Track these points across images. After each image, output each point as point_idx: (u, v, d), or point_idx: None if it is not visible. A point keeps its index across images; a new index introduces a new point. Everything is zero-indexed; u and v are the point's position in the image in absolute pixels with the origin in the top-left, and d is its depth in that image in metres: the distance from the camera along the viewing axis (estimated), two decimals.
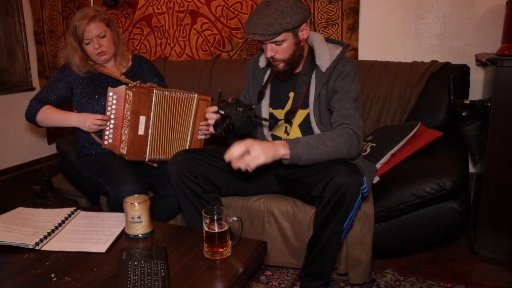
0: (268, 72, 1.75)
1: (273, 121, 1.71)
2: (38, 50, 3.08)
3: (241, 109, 1.50)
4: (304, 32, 1.56)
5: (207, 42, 2.82)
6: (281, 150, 1.39)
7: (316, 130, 1.62)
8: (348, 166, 1.45)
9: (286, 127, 1.73)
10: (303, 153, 1.40)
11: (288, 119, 1.68)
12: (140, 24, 2.96)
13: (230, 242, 1.25)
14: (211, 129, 1.97)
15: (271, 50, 1.54)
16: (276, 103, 1.73)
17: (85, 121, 1.80)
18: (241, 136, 1.56)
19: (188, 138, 1.94)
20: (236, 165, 1.34)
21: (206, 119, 1.94)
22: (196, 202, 1.65)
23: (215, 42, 2.79)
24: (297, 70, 1.66)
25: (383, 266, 1.87)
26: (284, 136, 1.73)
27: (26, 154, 3.01)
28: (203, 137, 1.99)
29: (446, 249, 2.04)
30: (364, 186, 1.48)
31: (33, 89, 3.02)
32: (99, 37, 1.83)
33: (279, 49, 1.54)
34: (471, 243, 2.01)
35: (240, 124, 1.50)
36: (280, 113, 1.73)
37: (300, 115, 1.67)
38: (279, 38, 1.50)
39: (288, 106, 1.70)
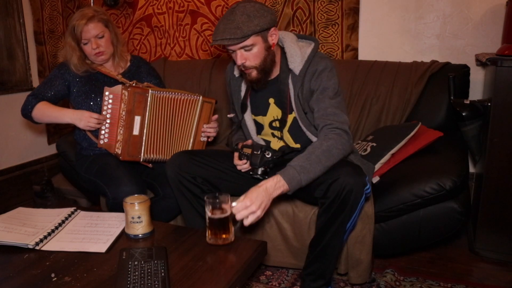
0: (244, 81, 1.72)
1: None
2: (38, 50, 3.09)
3: (269, 155, 1.59)
4: (273, 37, 1.53)
5: (207, 42, 2.82)
6: (278, 191, 1.36)
7: (308, 133, 1.61)
8: (351, 167, 1.45)
9: (272, 133, 1.72)
10: (301, 179, 1.38)
11: (282, 127, 1.67)
12: (140, 24, 2.97)
13: (232, 228, 1.26)
14: (212, 134, 1.99)
15: (241, 57, 1.50)
16: (257, 110, 1.72)
17: (81, 118, 1.79)
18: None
19: (191, 140, 1.93)
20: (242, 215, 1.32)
21: (209, 122, 1.95)
22: (194, 202, 1.65)
23: None
24: (272, 76, 1.63)
25: (383, 266, 1.87)
26: (274, 140, 1.72)
27: (26, 154, 3.01)
28: (205, 139, 1.98)
29: (446, 249, 2.04)
30: (367, 186, 1.47)
31: (33, 89, 3.01)
32: (97, 38, 1.83)
33: (249, 56, 1.50)
34: (471, 243, 2.01)
35: (274, 164, 1.62)
36: (262, 119, 1.72)
37: (288, 120, 1.66)
38: (248, 42, 1.46)
39: (271, 112, 1.68)
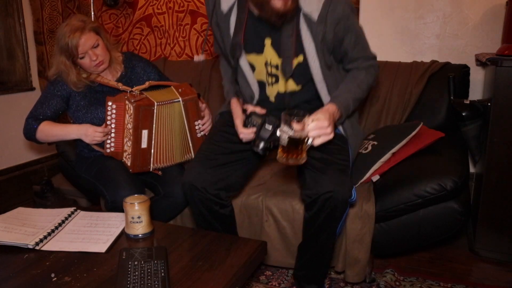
0: (233, 16, 1.47)
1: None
2: (38, 50, 3.08)
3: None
4: None
5: (207, 42, 2.81)
6: (337, 116, 1.42)
7: (319, 76, 1.48)
8: (339, 177, 1.42)
9: (268, 72, 1.53)
10: (350, 104, 1.46)
11: (286, 74, 1.48)
12: (140, 24, 2.97)
13: (305, 154, 1.27)
14: (208, 128, 1.91)
15: None
16: (251, 47, 1.50)
17: (86, 133, 1.76)
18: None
19: (189, 138, 1.90)
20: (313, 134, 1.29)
21: (201, 117, 1.90)
22: (213, 220, 1.59)
23: None
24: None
25: (383, 266, 1.87)
26: (270, 80, 1.54)
27: (26, 154, 3.01)
28: (202, 133, 1.95)
29: (446, 249, 2.04)
30: (353, 197, 1.45)
31: (33, 89, 3.01)
32: (93, 48, 1.75)
33: None
34: (471, 243, 2.01)
35: (275, 146, 1.44)
36: (255, 59, 1.52)
37: (292, 65, 1.48)
38: None
39: (267, 53, 1.49)
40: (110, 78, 1.89)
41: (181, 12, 2.83)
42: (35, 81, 3.08)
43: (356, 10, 2.38)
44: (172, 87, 1.90)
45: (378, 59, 2.33)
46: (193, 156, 1.91)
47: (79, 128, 1.80)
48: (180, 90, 1.87)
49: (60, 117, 1.93)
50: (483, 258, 1.95)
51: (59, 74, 1.82)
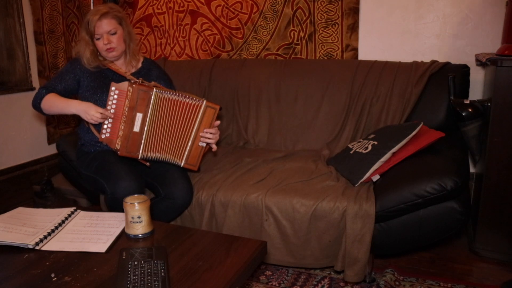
0: None
1: None
2: (38, 50, 3.08)
3: None
4: None
5: (207, 42, 2.82)
6: None
7: None
8: None
9: None
10: None
11: None
12: (140, 24, 2.97)
13: None
14: (211, 140, 1.87)
15: None
16: None
17: (88, 110, 1.80)
18: None
19: (189, 143, 1.89)
20: None
21: (211, 127, 1.90)
22: None
23: (215, 42, 2.80)
24: None
25: (383, 266, 1.87)
26: None
27: (26, 154, 3.01)
28: (203, 144, 1.92)
29: (446, 249, 2.04)
30: None
31: (33, 89, 3.01)
32: (109, 34, 1.85)
33: None
34: (471, 243, 2.01)
35: None
36: None
37: None
38: None
39: None
40: (123, 69, 1.96)
41: (181, 12, 2.83)
42: (35, 81, 3.08)
43: (355, 10, 2.39)
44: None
45: (378, 58, 2.35)
46: (181, 164, 1.89)
47: (81, 104, 1.84)
48: (200, 98, 1.90)
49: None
50: (483, 258, 1.95)
51: (79, 51, 1.93)
